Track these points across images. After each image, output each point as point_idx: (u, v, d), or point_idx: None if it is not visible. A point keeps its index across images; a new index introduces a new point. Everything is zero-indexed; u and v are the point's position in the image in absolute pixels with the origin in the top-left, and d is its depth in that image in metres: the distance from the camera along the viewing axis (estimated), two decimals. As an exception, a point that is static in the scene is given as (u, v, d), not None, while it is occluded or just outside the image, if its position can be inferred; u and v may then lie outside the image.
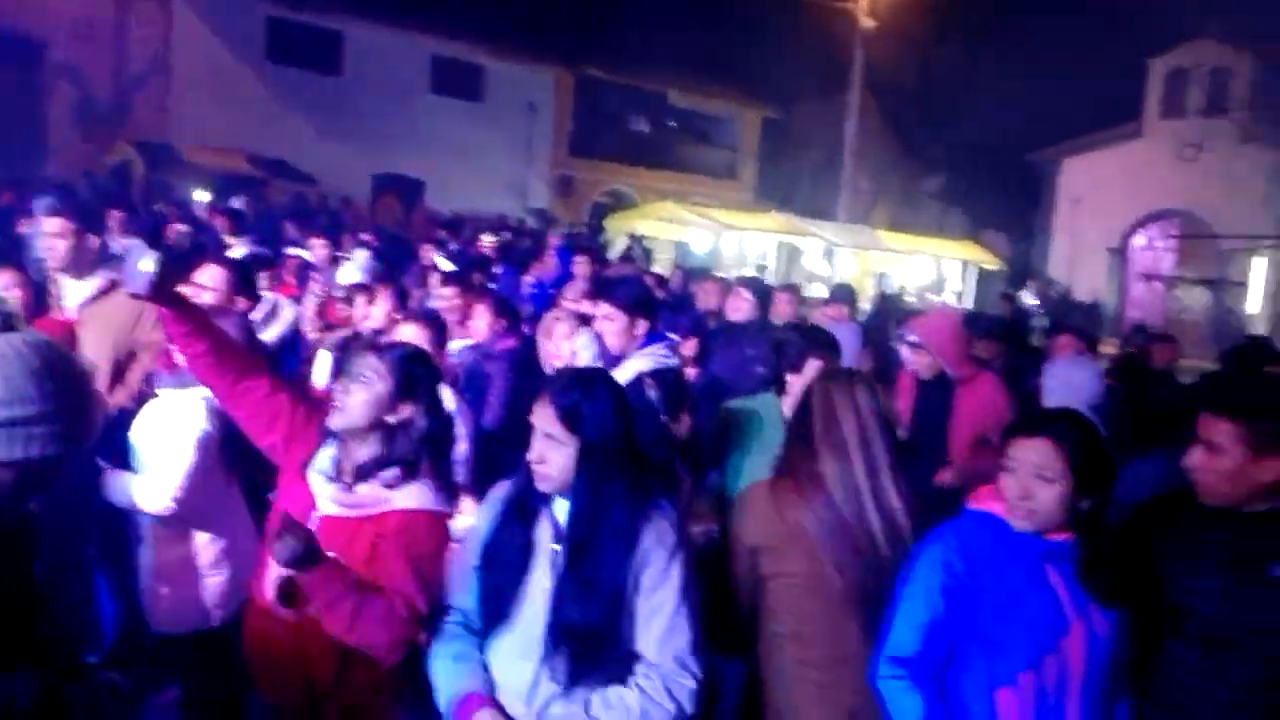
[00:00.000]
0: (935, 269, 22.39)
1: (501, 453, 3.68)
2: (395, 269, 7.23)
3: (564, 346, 4.48)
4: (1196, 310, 18.18)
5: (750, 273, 19.94)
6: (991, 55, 28.07)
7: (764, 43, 28.06)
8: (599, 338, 3.89)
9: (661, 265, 18.70)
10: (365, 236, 10.78)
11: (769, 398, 3.76)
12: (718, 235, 20.97)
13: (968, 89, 28.06)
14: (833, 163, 26.75)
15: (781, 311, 6.94)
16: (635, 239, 20.39)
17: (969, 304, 19.99)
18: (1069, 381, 3.80)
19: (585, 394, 2.19)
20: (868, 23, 24.63)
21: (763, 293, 6.99)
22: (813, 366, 3.51)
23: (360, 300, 5.13)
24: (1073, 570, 2.25)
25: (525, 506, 2.24)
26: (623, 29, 22.73)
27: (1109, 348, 13.21)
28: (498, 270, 9.18)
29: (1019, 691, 2.21)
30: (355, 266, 6.20)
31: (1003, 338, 8.34)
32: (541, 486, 2.20)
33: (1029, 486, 2.22)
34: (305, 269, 6.24)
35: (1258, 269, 14.50)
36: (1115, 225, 24.02)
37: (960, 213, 28.99)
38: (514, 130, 25.02)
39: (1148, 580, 2.38)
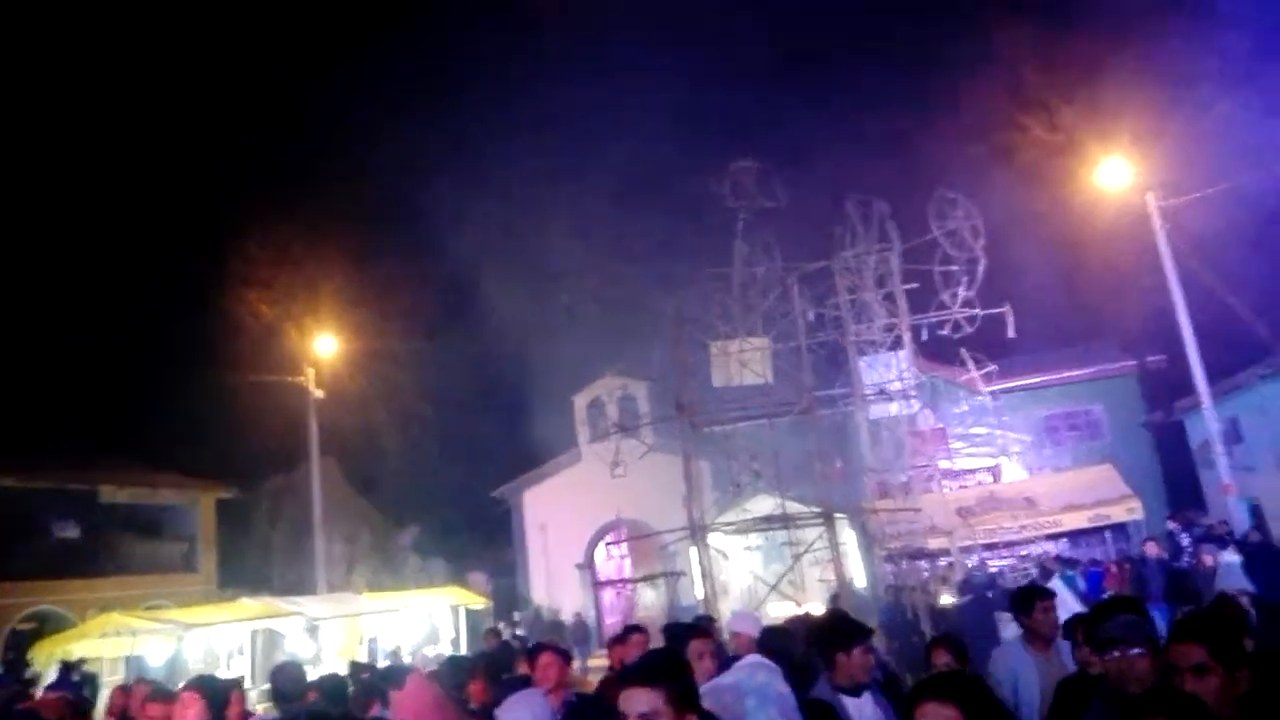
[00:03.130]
0: (426, 620, 22.07)
1: None
2: None
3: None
4: (653, 604, 20.23)
5: (223, 673, 17.77)
6: (439, 411, 30.43)
7: (213, 422, 27.17)
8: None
9: (111, 687, 15.77)
10: None
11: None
12: (179, 638, 18.46)
13: (424, 444, 29.82)
14: (303, 535, 25.90)
15: (235, 713, 6.14)
16: (71, 665, 17.03)
17: (463, 647, 19.85)
18: (513, 709, 4.14)
19: None
20: (317, 393, 25.34)
21: (216, 692, 6.12)
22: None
23: None
24: None
25: None
26: (31, 427, 20.33)
27: (598, 660, 13.91)
28: None
29: None
30: None
31: (486, 674, 8.42)
32: None
33: None
34: None
35: (693, 557, 16.81)
36: (578, 542, 26.34)
37: (441, 560, 29.56)
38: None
39: None
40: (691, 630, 5.52)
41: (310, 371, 25.02)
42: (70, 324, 29.03)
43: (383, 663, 16.65)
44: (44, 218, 30.77)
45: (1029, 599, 4.93)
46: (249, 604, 20.43)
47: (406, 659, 18.54)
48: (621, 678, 2.78)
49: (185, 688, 6.38)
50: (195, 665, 18.00)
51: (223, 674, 17.86)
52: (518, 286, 27.40)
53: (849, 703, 3.95)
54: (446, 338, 31.12)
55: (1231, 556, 11.55)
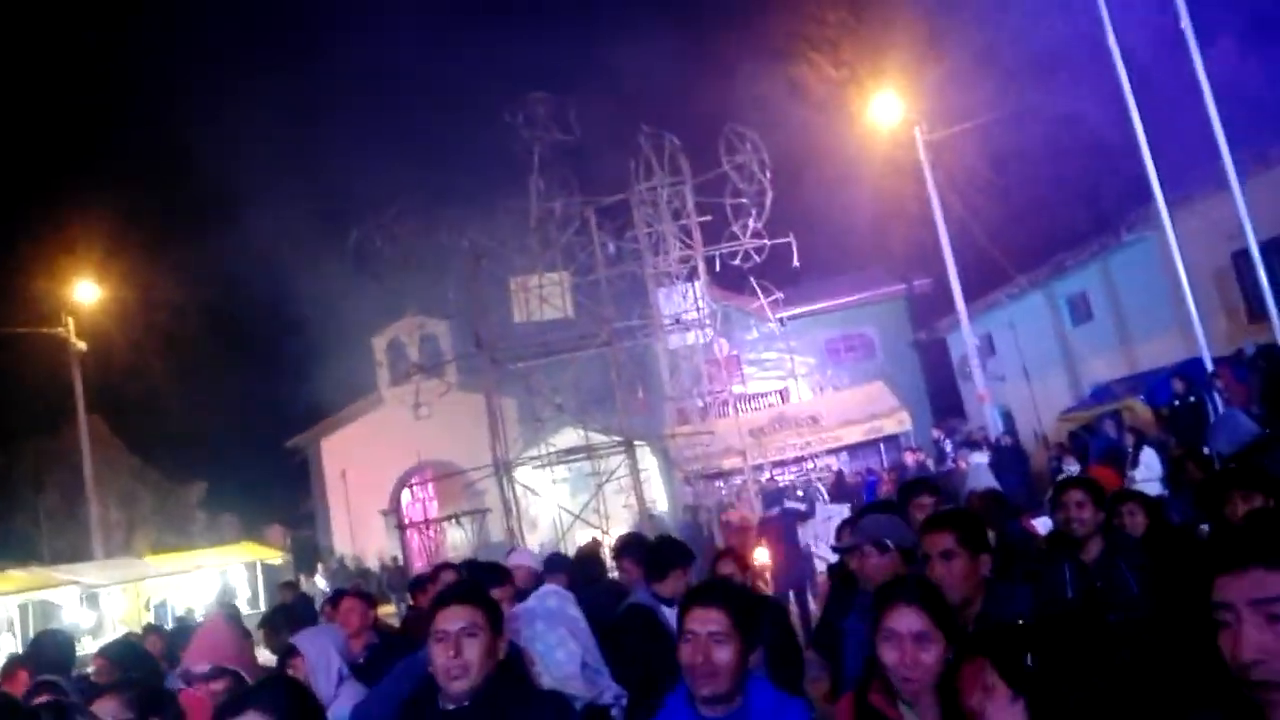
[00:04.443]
0: (219, 579, 21.08)
1: None
2: None
3: None
4: (461, 543, 20.22)
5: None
6: (222, 360, 28.62)
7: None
8: None
9: None
10: None
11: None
12: (-69, 619, 16.76)
13: (209, 396, 28.01)
14: (75, 499, 23.89)
15: (14, 687, 5.65)
16: None
17: (261, 603, 19.13)
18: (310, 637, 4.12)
19: None
20: (80, 345, 23.16)
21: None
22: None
23: None
24: None
25: None
26: None
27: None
28: None
29: None
30: None
31: (284, 626, 8.24)
32: None
33: None
34: None
35: (493, 493, 17.03)
36: (382, 487, 25.76)
37: (234, 516, 28.10)
38: None
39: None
40: (490, 576, 5.52)
41: (69, 321, 22.78)
42: None
43: (172, 625, 15.80)
44: None
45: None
46: (16, 575, 18.77)
47: (198, 620, 17.67)
48: (442, 598, 2.82)
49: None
50: (-45, 647, 16.43)
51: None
52: (304, 227, 25.94)
53: (666, 611, 4.26)
54: (229, 284, 29.11)
55: (980, 458, 12.85)
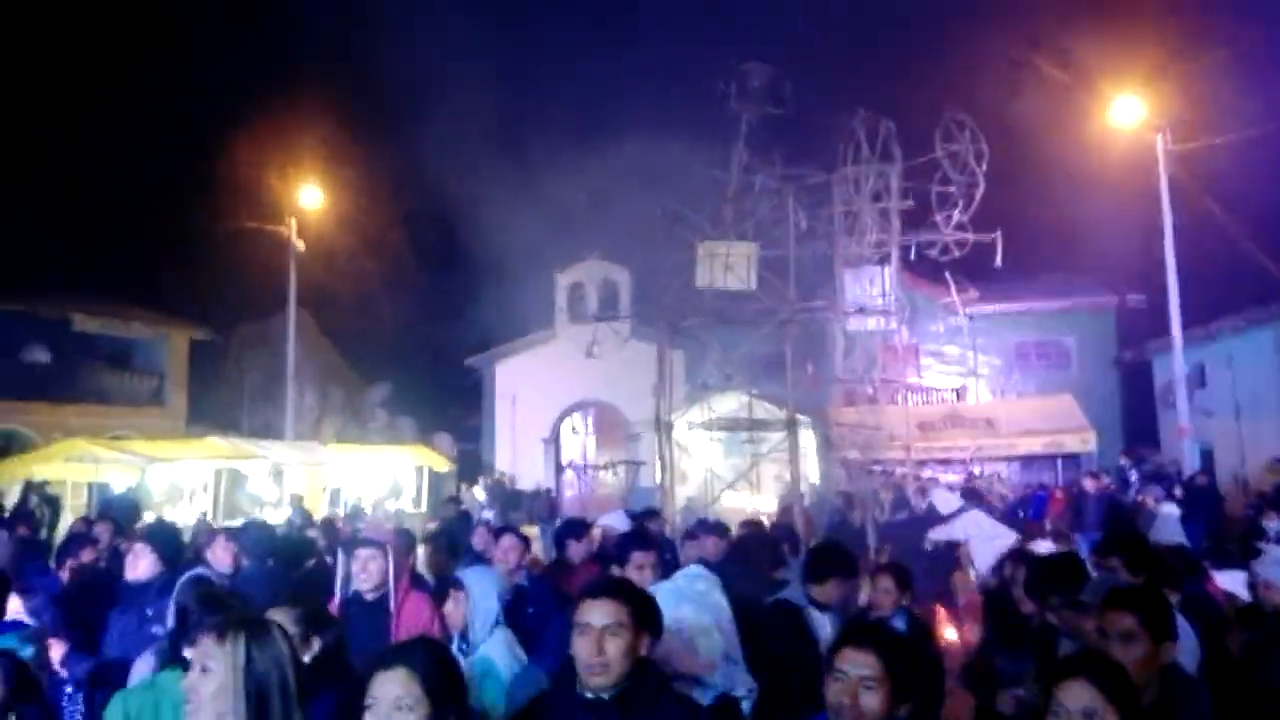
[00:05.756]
0: (390, 477, 22.51)
1: None
2: None
3: None
4: (612, 486, 20.75)
5: (186, 508, 18.16)
6: (418, 274, 30.25)
7: (191, 263, 26.90)
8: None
9: (75, 512, 16.19)
10: None
11: (171, 678, 3.21)
12: (143, 470, 18.72)
13: (403, 305, 29.74)
14: (275, 382, 26.08)
15: (219, 557, 6.14)
16: (34, 486, 17.30)
17: (424, 507, 20.33)
18: (477, 576, 4.25)
19: None
20: (299, 244, 25.12)
21: (170, 541, 6.16)
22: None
23: None
24: None
25: None
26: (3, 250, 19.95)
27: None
28: None
29: None
30: None
31: (445, 548, 8.75)
32: None
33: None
34: None
35: (652, 446, 17.26)
36: (546, 418, 26.68)
37: (409, 420, 29.88)
38: None
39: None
40: (638, 542, 5.50)
41: (293, 222, 24.66)
42: (54, 154, 28.12)
43: (344, 513, 17.05)
44: (32, 52, 29.34)
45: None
46: (216, 443, 20.64)
47: (367, 511, 18.99)
48: (590, 589, 2.84)
49: (138, 539, 6.32)
50: (159, 498, 18.34)
51: (185, 508, 18.25)
52: (510, 160, 26.81)
53: (815, 615, 4.23)
54: (435, 206, 30.57)
55: (1171, 509, 11.83)
